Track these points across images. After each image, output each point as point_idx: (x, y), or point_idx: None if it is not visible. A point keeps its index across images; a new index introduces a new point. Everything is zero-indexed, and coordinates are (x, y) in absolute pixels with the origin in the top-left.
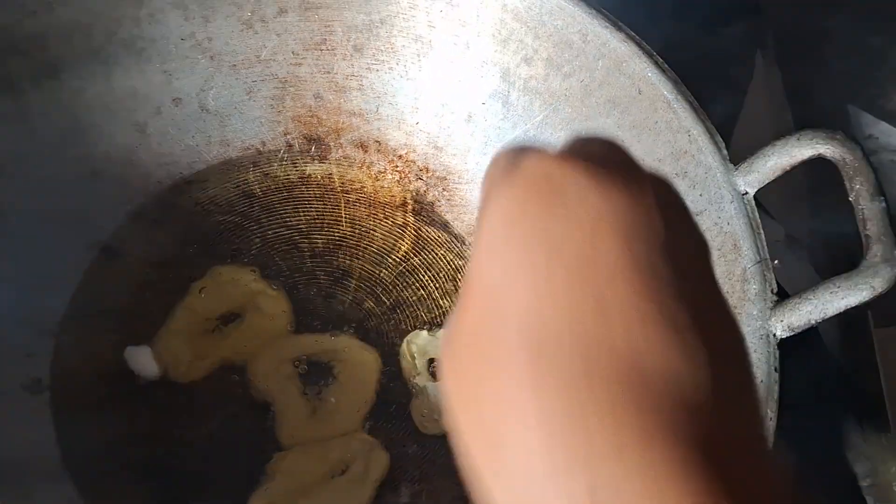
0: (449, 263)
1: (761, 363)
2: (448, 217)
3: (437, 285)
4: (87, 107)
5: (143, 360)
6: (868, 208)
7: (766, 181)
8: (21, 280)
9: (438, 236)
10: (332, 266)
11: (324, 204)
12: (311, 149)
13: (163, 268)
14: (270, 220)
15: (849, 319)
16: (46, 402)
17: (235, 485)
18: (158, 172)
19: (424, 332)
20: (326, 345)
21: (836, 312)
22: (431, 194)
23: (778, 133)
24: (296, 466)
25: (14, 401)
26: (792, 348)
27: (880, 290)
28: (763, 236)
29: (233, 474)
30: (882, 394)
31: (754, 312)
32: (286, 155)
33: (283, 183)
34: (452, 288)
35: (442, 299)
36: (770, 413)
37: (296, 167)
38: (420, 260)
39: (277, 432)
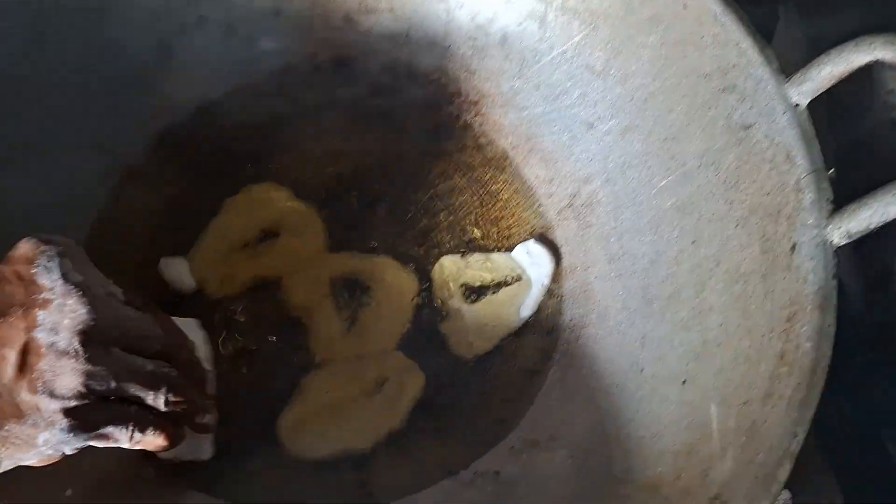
0: (482, 188)
1: (819, 270)
2: (481, 141)
3: (470, 210)
4: (108, 26)
5: (180, 271)
6: None
7: (821, 90)
8: (44, 203)
9: (471, 161)
10: (362, 191)
11: (352, 129)
12: (338, 73)
13: (189, 191)
14: (298, 145)
15: (871, 270)
16: None
17: (268, 401)
18: (181, 96)
19: (457, 257)
20: (362, 264)
21: None
22: (464, 119)
23: None
24: (329, 384)
25: None
26: None
27: None
28: (818, 146)
29: (265, 390)
30: None
31: (810, 221)
32: (314, 79)
33: (310, 108)
34: (485, 213)
35: (473, 224)
36: (830, 321)
37: (323, 92)
38: (451, 184)
39: (312, 349)
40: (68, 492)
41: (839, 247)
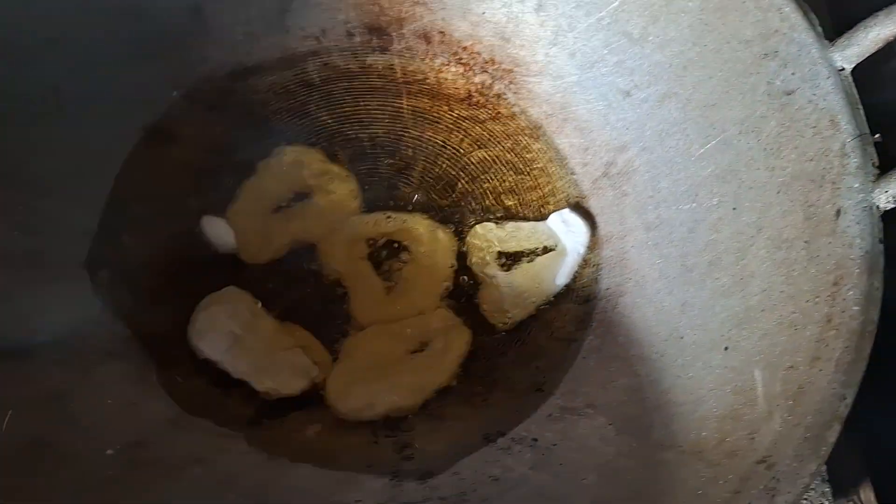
0: (516, 156)
1: (865, 235)
2: (515, 110)
3: (504, 178)
4: None
5: (221, 230)
6: None
7: (866, 54)
8: (76, 157)
9: (505, 129)
10: (394, 158)
11: (385, 95)
12: (372, 39)
13: (221, 153)
14: (330, 110)
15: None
16: (103, 281)
17: None
18: (215, 57)
19: (492, 225)
20: (399, 223)
21: None
22: (497, 87)
23: None
24: (372, 344)
25: (73, 277)
26: None
27: None
28: (862, 111)
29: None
30: None
31: (855, 185)
32: (347, 44)
33: (343, 73)
34: (519, 181)
35: (507, 193)
36: (877, 284)
37: (356, 57)
38: (485, 153)
39: (352, 311)
40: (109, 451)
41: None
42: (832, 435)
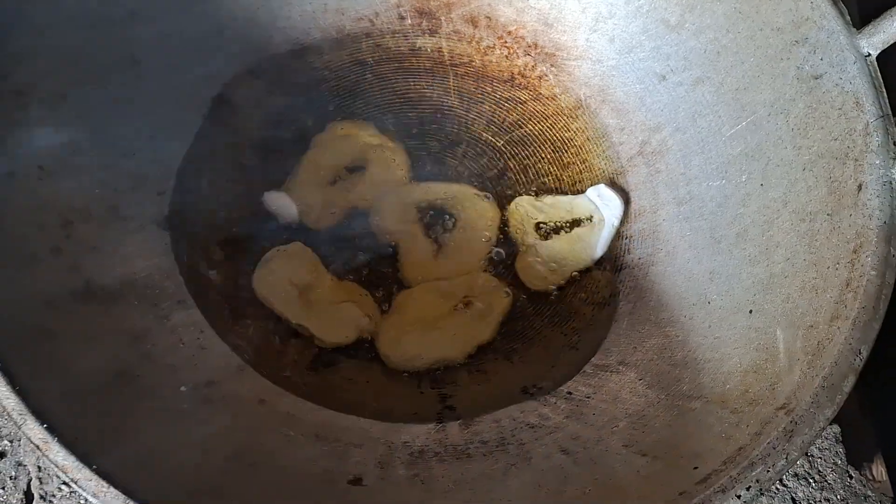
0: (555, 135)
1: (885, 207)
2: (556, 91)
3: (543, 155)
4: None
5: (284, 203)
6: None
7: (891, 41)
8: (151, 122)
9: (545, 109)
10: (440, 134)
11: (433, 75)
12: (422, 22)
13: (280, 125)
14: (382, 88)
15: None
16: (174, 238)
17: None
18: (277, 35)
19: (531, 197)
20: (446, 192)
21: None
22: (539, 69)
23: None
24: (421, 300)
25: (148, 231)
26: None
27: None
28: (885, 94)
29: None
30: None
31: (877, 162)
32: (398, 27)
33: (394, 54)
34: (557, 158)
35: (547, 168)
36: (893, 251)
37: (407, 39)
38: (526, 131)
39: (402, 270)
40: (182, 388)
41: None
42: (847, 385)
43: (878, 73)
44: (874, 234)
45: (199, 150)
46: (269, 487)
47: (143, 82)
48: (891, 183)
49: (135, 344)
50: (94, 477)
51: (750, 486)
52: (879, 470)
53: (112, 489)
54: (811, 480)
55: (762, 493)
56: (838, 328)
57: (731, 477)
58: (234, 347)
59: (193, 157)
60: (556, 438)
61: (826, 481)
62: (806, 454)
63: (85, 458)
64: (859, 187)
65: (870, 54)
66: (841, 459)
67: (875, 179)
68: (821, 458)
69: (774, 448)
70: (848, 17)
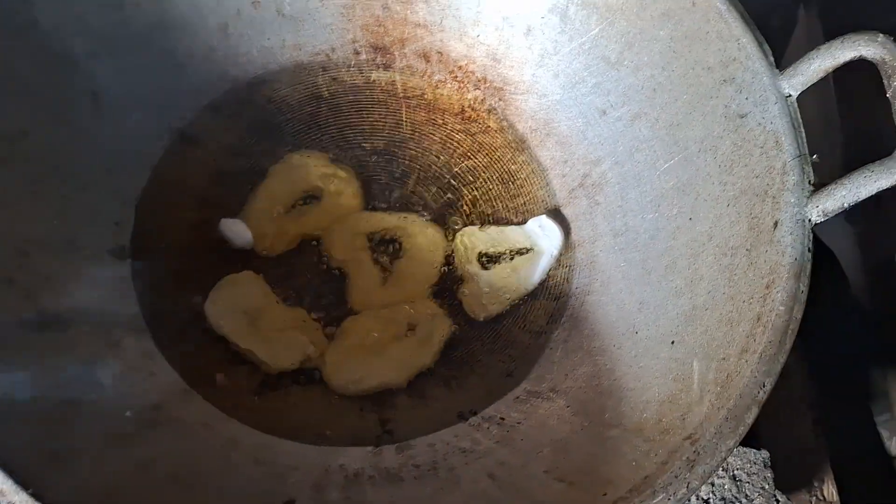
0: (502, 167)
1: (797, 244)
2: (503, 124)
3: (490, 186)
4: (176, 4)
5: (238, 230)
6: None
7: (810, 83)
8: (110, 155)
9: (493, 142)
10: (392, 165)
11: (386, 108)
12: (376, 57)
13: (238, 156)
14: (337, 121)
15: (876, 264)
16: (129, 267)
17: None
18: (235, 70)
19: (475, 228)
20: (396, 221)
21: (868, 195)
22: (488, 103)
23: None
24: (366, 326)
25: (103, 263)
26: (821, 296)
27: None
28: (803, 134)
29: None
30: None
31: (792, 200)
32: (353, 61)
33: (349, 87)
34: (503, 189)
35: (494, 199)
36: (802, 287)
37: (362, 73)
38: (475, 163)
39: (350, 298)
40: (128, 413)
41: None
42: (750, 417)
43: (798, 114)
44: (785, 270)
45: (157, 182)
46: None
47: (103, 117)
48: (804, 221)
49: (83, 371)
50: (29, 500)
51: None
52: (830, 491)
53: None
54: None
55: None
56: (746, 361)
57: None
58: (183, 373)
59: (152, 188)
60: (484, 464)
61: None
62: (734, 479)
63: (22, 482)
64: (775, 224)
65: (790, 95)
66: (769, 484)
67: (789, 217)
68: (748, 482)
69: (676, 477)
70: (772, 59)
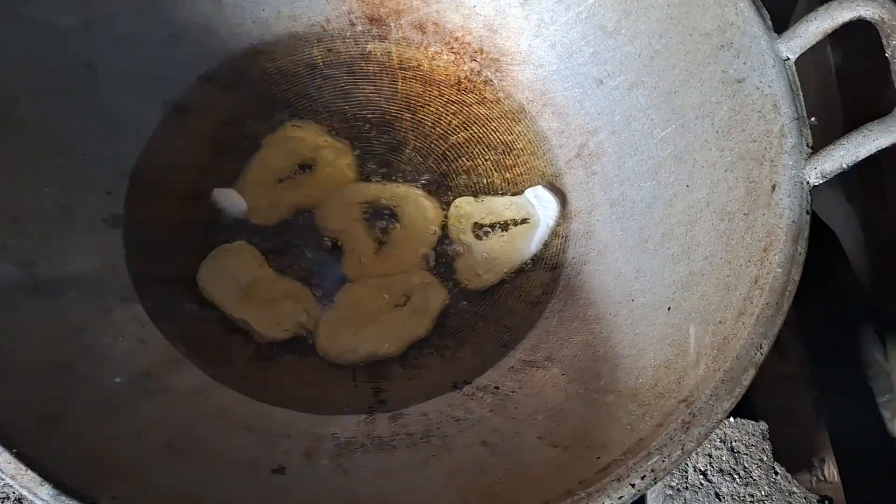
0: (498, 138)
1: (795, 206)
2: (500, 95)
3: (486, 157)
4: None
5: (233, 199)
6: None
7: (808, 46)
8: (104, 125)
9: (489, 113)
10: (388, 136)
11: (382, 79)
12: (372, 28)
13: (233, 126)
14: (332, 92)
15: (876, 244)
16: (122, 236)
17: None
18: (231, 41)
19: (471, 198)
20: (390, 191)
21: (867, 154)
22: (484, 74)
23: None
24: (360, 296)
25: (97, 230)
26: (821, 275)
27: None
28: (801, 97)
29: None
30: None
31: (790, 163)
32: (349, 32)
33: (344, 58)
34: (500, 160)
35: (490, 170)
36: (800, 249)
37: (357, 44)
38: (470, 134)
39: (344, 268)
40: (117, 379)
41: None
42: (747, 378)
43: (796, 77)
44: (783, 232)
45: (151, 152)
46: (195, 474)
47: (98, 87)
48: (802, 183)
49: (75, 337)
50: (13, 460)
51: (644, 476)
52: (831, 470)
53: (30, 472)
54: (736, 476)
55: (656, 482)
56: (743, 323)
57: (627, 466)
58: (175, 341)
59: (146, 158)
60: (478, 431)
61: (751, 477)
62: (732, 450)
63: (7, 442)
64: (773, 187)
65: (788, 58)
66: (767, 456)
67: (787, 179)
68: (747, 454)
69: (671, 439)
70: (770, 23)
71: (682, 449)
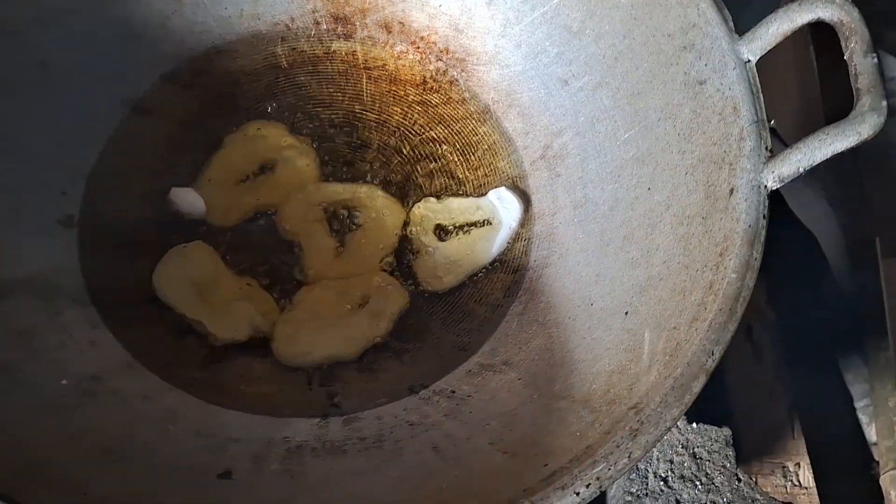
0: (464, 139)
1: (752, 210)
2: (465, 96)
3: (451, 158)
4: None
5: (190, 199)
6: (861, 64)
7: (769, 48)
8: (59, 126)
9: (454, 113)
10: (352, 137)
11: (346, 79)
12: (337, 27)
13: (193, 127)
14: (295, 91)
15: (856, 247)
16: (76, 237)
17: None
18: (191, 40)
19: (433, 200)
20: (352, 192)
21: (823, 158)
22: (450, 74)
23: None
24: (319, 298)
25: (49, 232)
26: (800, 278)
27: (866, 135)
28: (762, 100)
29: None
30: (884, 316)
31: (748, 167)
32: (313, 31)
33: (308, 57)
34: (464, 161)
35: (454, 171)
36: (756, 255)
37: (322, 44)
38: (435, 134)
39: (304, 269)
40: (64, 381)
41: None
42: (697, 385)
43: (757, 79)
44: (739, 237)
45: (109, 154)
46: (136, 480)
47: (53, 88)
48: (759, 187)
49: (20, 339)
50: None
51: (590, 484)
52: (806, 475)
53: None
54: (697, 483)
55: (601, 490)
56: (696, 329)
57: (573, 474)
58: (127, 344)
59: (103, 160)
60: (430, 436)
61: (713, 484)
62: (694, 456)
63: None
64: (731, 191)
65: (749, 60)
66: (730, 462)
67: (745, 183)
68: (709, 460)
69: (618, 446)
70: (731, 24)
71: (628, 457)
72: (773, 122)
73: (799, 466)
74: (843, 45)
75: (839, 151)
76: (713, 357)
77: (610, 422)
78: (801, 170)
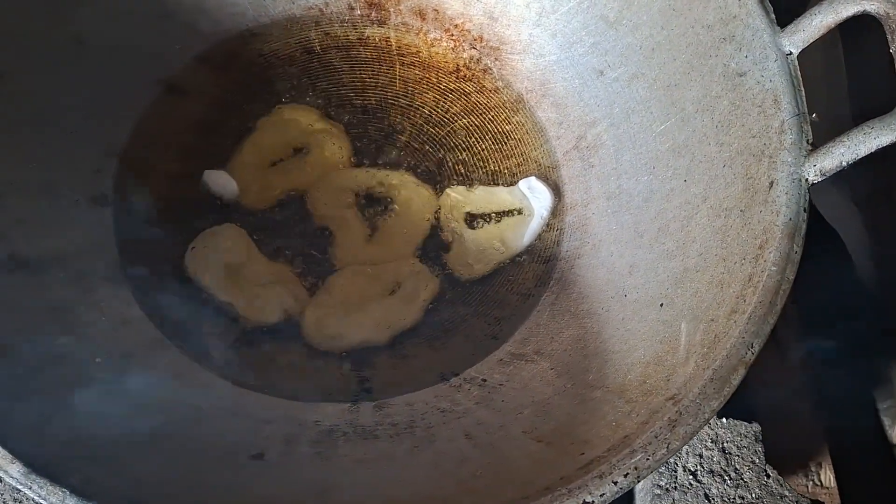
0: (496, 128)
1: (792, 204)
2: (498, 84)
3: (483, 146)
4: None
5: (223, 181)
6: None
7: (811, 40)
8: (93, 102)
9: (487, 102)
10: (383, 123)
11: (379, 65)
12: (371, 13)
13: (226, 109)
14: (328, 76)
15: (885, 252)
16: (110, 215)
17: None
18: (226, 21)
19: (463, 188)
20: (384, 178)
21: (868, 152)
22: (484, 62)
23: None
24: (350, 283)
25: (81, 210)
26: (825, 276)
27: None
28: (803, 92)
29: None
30: None
31: (789, 160)
32: (347, 16)
33: (342, 43)
34: (496, 150)
35: (486, 159)
36: (796, 248)
37: (355, 29)
38: (468, 122)
39: (335, 254)
40: (98, 360)
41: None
42: (736, 378)
43: (798, 72)
44: (779, 230)
45: (141, 132)
46: (168, 458)
47: (88, 63)
48: (800, 181)
49: (54, 315)
50: None
51: (628, 473)
52: (828, 476)
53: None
54: (726, 478)
55: (639, 480)
56: (735, 322)
57: (611, 464)
58: (158, 323)
59: (136, 138)
60: (462, 423)
61: (742, 479)
62: (723, 451)
63: None
64: (771, 184)
65: (791, 52)
66: (759, 458)
67: (786, 176)
68: (738, 455)
69: (657, 437)
70: (773, 16)
71: (667, 447)
72: (815, 115)
73: (821, 466)
74: (888, 37)
75: (884, 146)
76: (752, 350)
77: (647, 412)
78: (845, 164)
